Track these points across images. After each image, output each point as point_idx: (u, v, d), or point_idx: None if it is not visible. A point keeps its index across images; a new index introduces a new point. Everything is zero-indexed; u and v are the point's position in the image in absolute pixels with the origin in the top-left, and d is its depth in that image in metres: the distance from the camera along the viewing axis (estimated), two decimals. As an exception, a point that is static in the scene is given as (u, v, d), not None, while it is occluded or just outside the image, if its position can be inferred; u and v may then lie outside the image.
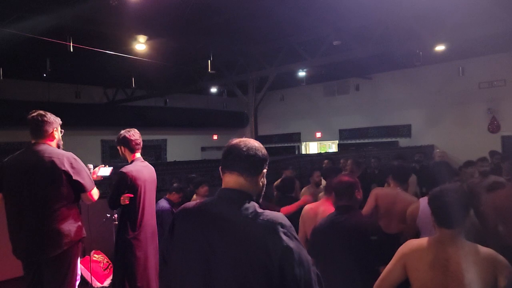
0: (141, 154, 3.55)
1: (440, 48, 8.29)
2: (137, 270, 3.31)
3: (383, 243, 2.43)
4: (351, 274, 2.35)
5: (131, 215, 3.34)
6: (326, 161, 6.80)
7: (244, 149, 1.47)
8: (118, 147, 3.50)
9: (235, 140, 1.52)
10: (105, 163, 4.07)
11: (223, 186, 1.49)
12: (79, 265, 2.85)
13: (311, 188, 5.13)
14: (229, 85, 11.70)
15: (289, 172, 6.18)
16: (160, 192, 4.29)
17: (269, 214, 1.39)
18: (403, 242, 2.13)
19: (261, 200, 1.52)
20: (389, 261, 2.06)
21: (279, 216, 1.39)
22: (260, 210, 1.40)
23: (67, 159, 2.72)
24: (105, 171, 3.37)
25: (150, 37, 8.12)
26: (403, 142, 12.85)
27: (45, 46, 7.53)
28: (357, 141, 14.07)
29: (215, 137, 16.41)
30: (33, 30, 6.91)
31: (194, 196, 4.99)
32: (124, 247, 3.32)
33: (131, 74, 11.29)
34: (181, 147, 15.10)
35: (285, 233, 1.33)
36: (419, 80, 12.34)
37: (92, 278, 4.78)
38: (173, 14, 6.98)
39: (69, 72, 11.20)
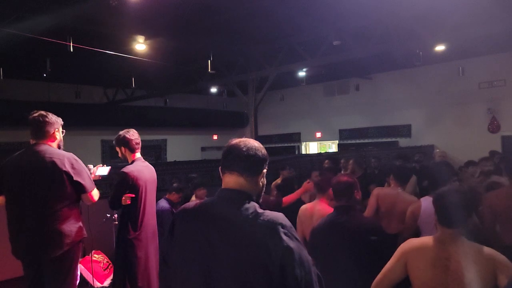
0: (141, 154, 3.55)
1: (440, 48, 8.30)
2: (138, 270, 3.31)
3: (385, 243, 2.42)
4: (352, 274, 2.35)
5: (132, 215, 3.34)
6: (326, 161, 6.79)
7: (244, 149, 1.46)
8: (118, 149, 3.49)
9: (235, 140, 1.52)
10: (105, 163, 4.08)
11: (223, 186, 1.49)
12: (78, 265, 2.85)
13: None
14: (229, 85, 11.71)
15: (287, 172, 6.17)
16: (160, 192, 4.29)
17: (269, 214, 1.38)
18: (402, 242, 2.14)
19: (260, 200, 1.52)
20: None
21: (279, 216, 1.39)
22: (260, 211, 1.40)
23: (68, 160, 2.71)
24: (103, 170, 3.37)
25: (150, 37, 8.12)
26: (403, 142, 12.85)
27: (45, 46, 7.54)
28: (357, 141, 14.07)
29: (215, 137, 16.41)
30: (33, 30, 6.91)
31: (193, 197, 5.00)
32: (125, 247, 3.33)
33: (131, 74, 11.29)
34: (181, 147, 15.10)
35: (285, 234, 1.33)
36: (419, 80, 12.33)
37: (93, 278, 4.78)
38: (173, 14, 6.97)
39: (69, 72, 11.20)
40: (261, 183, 1.51)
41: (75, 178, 2.70)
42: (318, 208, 3.18)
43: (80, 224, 2.79)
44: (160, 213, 4.29)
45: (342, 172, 5.88)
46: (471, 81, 11.43)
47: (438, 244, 1.94)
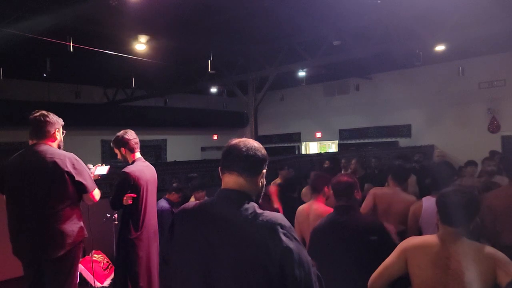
0: (141, 154, 3.55)
1: (440, 48, 8.29)
2: (140, 270, 3.32)
3: (387, 242, 2.41)
4: (352, 274, 2.35)
5: (133, 215, 3.35)
6: (326, 161, 6.78)
7: (244, 149, 1.47)
8: (117, 150, 3.49)
9: (235, 140, 1.52)
10: (105, 163, 4.07)
11: (222, 187, 1.49)
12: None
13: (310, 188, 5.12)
14: (229, 85, 11.70)
15: (285, 172, 6.17)
16: (160, 192, 4.29)
17: (268, 214, 1.38)
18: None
19: (260, 200, 1.52)
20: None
21: (278, 216, 1.39)
22: (259, 211, 1.40)
23: (69, 160, 2.72)
24: (102, 169, 3.37)
25: (150, 37, 8.12)
26: (403, 142, 12.84)
27: (45, 46, 7.54)
28: (357, 141, 14.06)
29: (215, 137, 16.40)
30: (33, 30, 6.91)
31: (192, 198, 4.99)
32: (126, 247, 3.33)
33: (131, 74, 11.28)
34: (181, 147, 15.10)
35: (285, 234, 1.33)
36: (419, 80, 12.33)
37: (93, 278, 4.78)
38: (173, 14, 6.97)
39: (69, 72, 11.19)
40: (260, 183, 1.51)
41: (76, 178, 2.70)
42: (314, 208, 3.19)
43: (81, 224, 2.80)
44: (160, 213, 4.28)
45: (343, 172, 5.88)
46: (471, 81, 11.42)
47: (439, 243, 1.94)
